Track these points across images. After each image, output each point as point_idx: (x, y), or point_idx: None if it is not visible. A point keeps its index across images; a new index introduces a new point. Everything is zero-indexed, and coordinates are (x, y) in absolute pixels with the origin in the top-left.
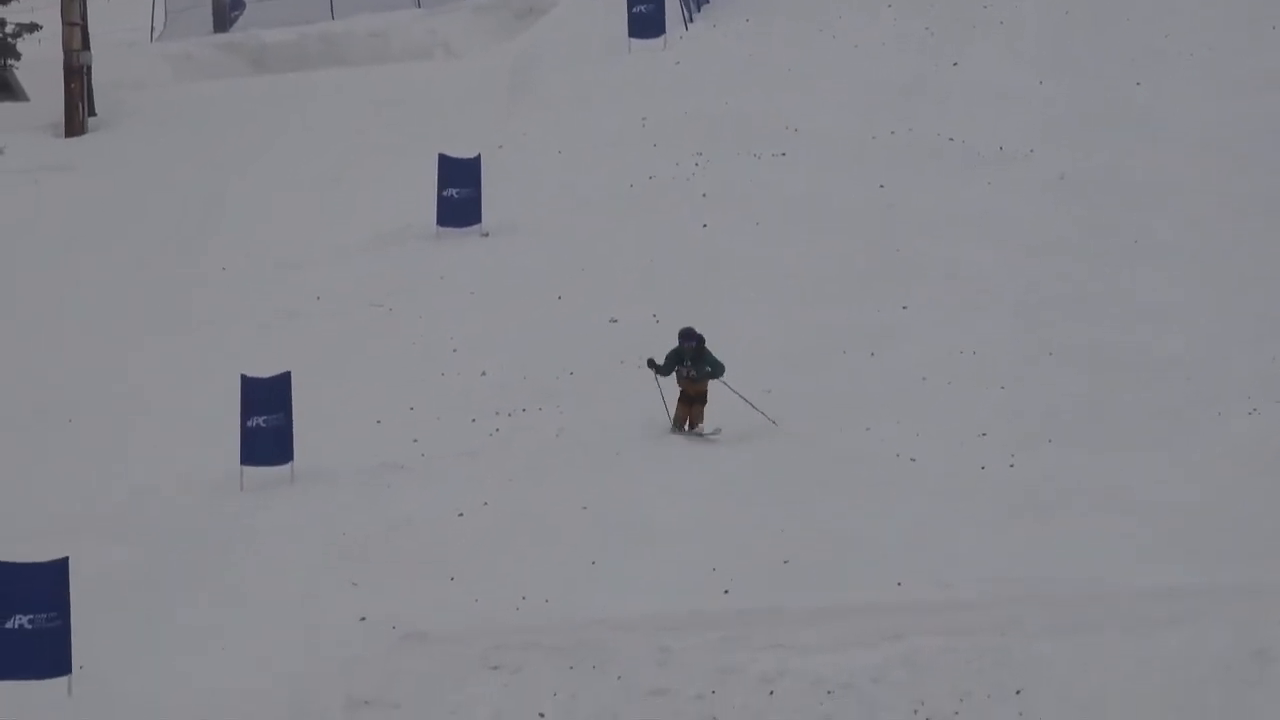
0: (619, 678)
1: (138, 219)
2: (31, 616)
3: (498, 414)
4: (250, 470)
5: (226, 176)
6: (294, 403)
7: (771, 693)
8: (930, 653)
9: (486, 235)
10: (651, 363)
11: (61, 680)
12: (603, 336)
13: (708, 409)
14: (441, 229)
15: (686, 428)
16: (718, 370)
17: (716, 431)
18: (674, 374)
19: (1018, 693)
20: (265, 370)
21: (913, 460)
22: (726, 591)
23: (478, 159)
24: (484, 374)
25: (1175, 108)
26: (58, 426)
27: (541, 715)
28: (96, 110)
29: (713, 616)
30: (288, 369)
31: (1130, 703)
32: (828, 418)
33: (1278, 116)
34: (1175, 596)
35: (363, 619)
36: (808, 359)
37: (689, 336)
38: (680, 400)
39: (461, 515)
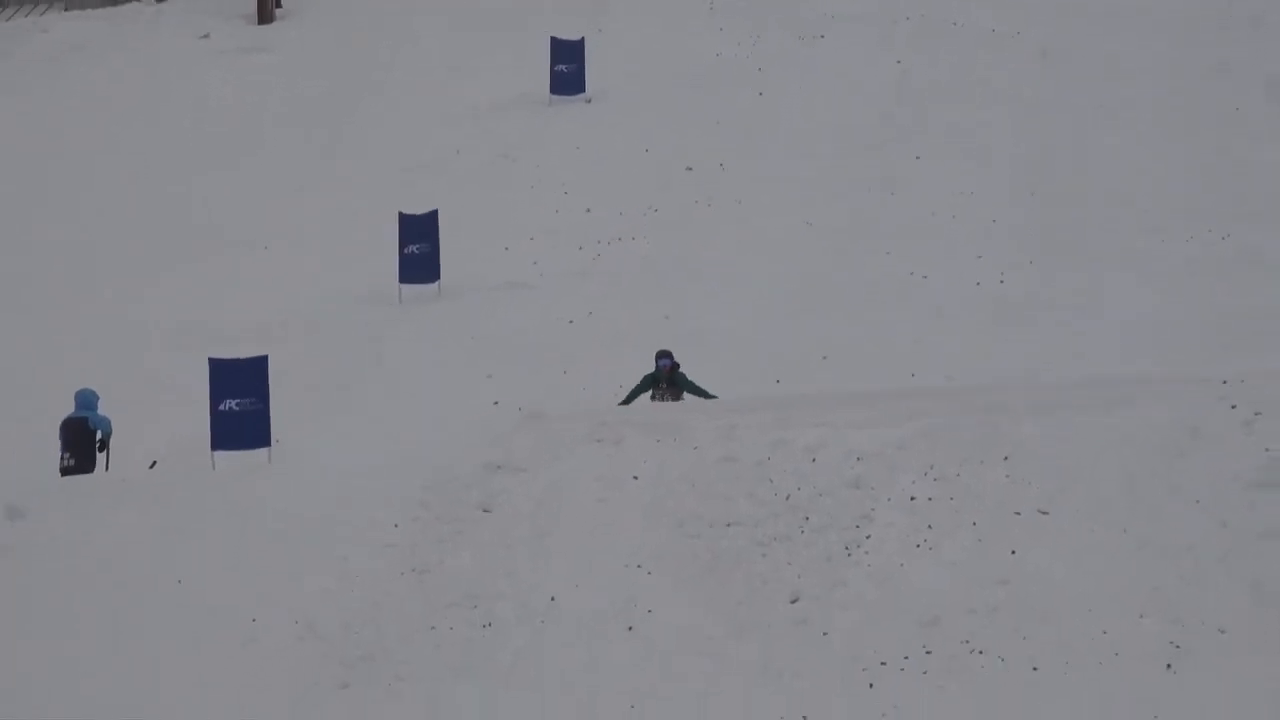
0: (695, 448)
1: (316, 86)
2: (239, 400)
3: (599, 242)
4: (405, 286)
5: (384, 54)
6: (440, 233)
7: (814, 459)
8: (937, 428)
9: (589, 101)
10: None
11: (263, 450)
12: (681, 182)
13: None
14: (554, 96)
15: None
16: (695, 392)
17: None
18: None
19: (1005, 458)
20: (416, 206)
21: (925, 277)
22: (778, 381)
23: (434, 213)
24: (588, 210)
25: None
26: (256, 251)
27: (636, 477)
28: (282, 3)
29: (767, 400)
30: (434, 208)
31: (1089, 465)
32: (854, 246)
33: None
34: (1127, 384)
35: (496, 402)
36: (839, 198)
37: (665, 356)
38: None
39: (571, 322)
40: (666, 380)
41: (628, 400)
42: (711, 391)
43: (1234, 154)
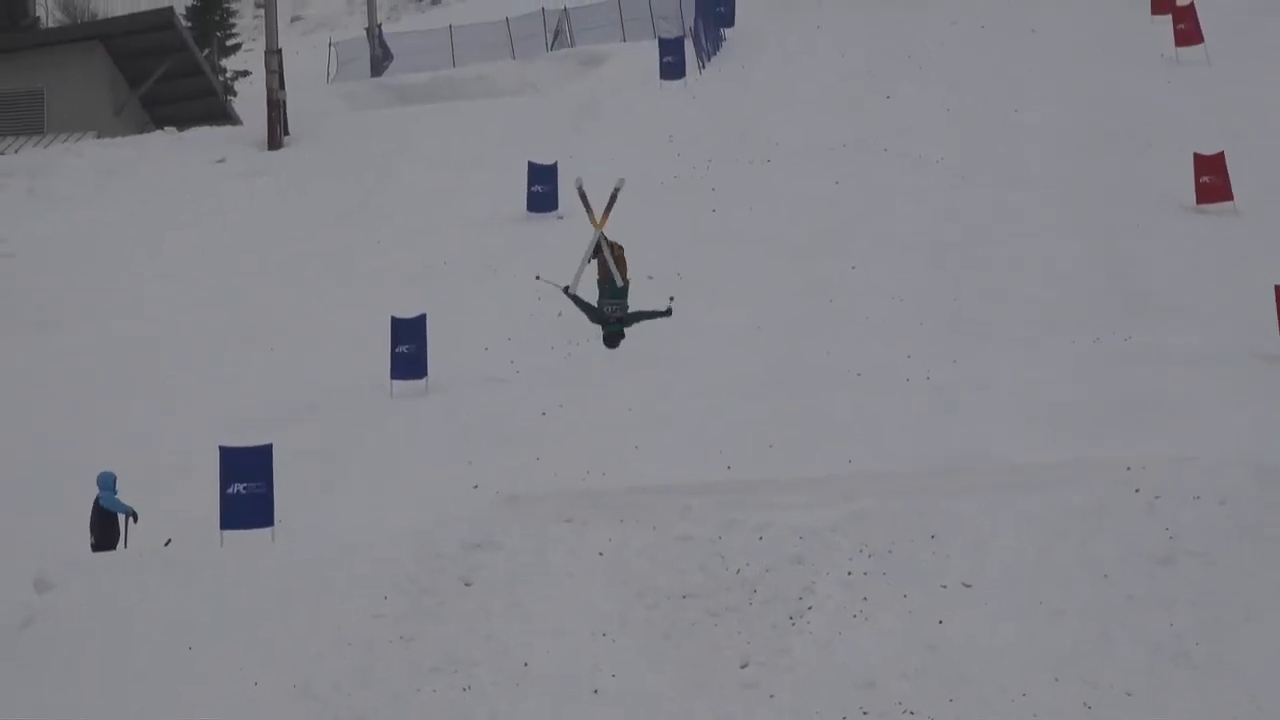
0: (654, 527)
1: (318, 206)
2: (246, 484)
3: (569, 343)
4: (396, 382)
5: (379, 176)
6: (429, 334)
7: (761, 538)
8: (871, 509)
9: (562, 218)
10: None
11: (267, 530)
12: (642, 288)
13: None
14: (530, 213)
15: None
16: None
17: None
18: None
19: (932, 536)
20: (406, 310)
21: (859, 375)
22: (729, 467)
23: (423, 317)
24: (559, 314)
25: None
26: (262, 349)
27: (601, 553)
28: (290, 131)
29: (719, 484)
30: (422, 312)
31: (1011, 542)
32: (797, 346)
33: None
34: (1041, 469)
35: (475, 486)
36: (784, 304)
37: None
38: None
39: (544, 414)
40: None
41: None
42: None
43: (1132, 261)
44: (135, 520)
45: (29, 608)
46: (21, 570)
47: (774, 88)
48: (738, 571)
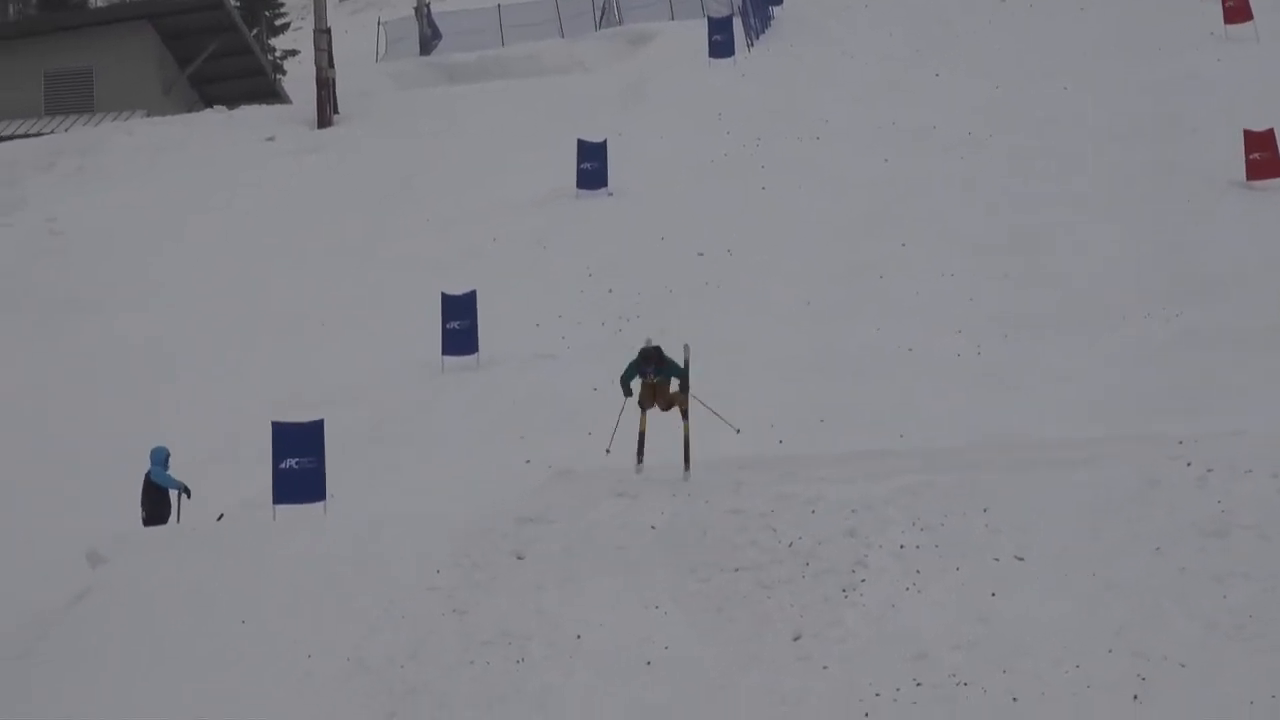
0: (706, 501)
1: (367, 184)
2: (298, 460)
3: (620, 319)
4: (447, 358)
5: (428, 154)
6: (479, 313)
7: (813, 511)
8: (922, 483)
9: (611, 195)
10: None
11: (319, 504)
12: (693, 266)
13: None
14: (580, 190)
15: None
16: (678, 371)
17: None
18: (639, 397)
19: (984, 510)
20: (457, 287)
21: (910, 350)
22: (781, 441)
23: (473, 293)
24: (610, 291)
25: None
26: (313, 326)
27: (653, 527)
28: (339, 110)
29: (772, 459)
30: (473, 288)
31: (1063, 515)
32: (847, 322)
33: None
34: (1092, 444)
35: (528, 461)
36: (834, 280)
37: (648, 359)
38: (642, 420)
39: (595, 389)
40: (654, 369)
41: (625, 378)
42: (685, 367)
43: (1183, 238)
44: (188, 496)
45: (83, 580)
46: (75, 544)
47: (823, 66)
48: (790, 545)
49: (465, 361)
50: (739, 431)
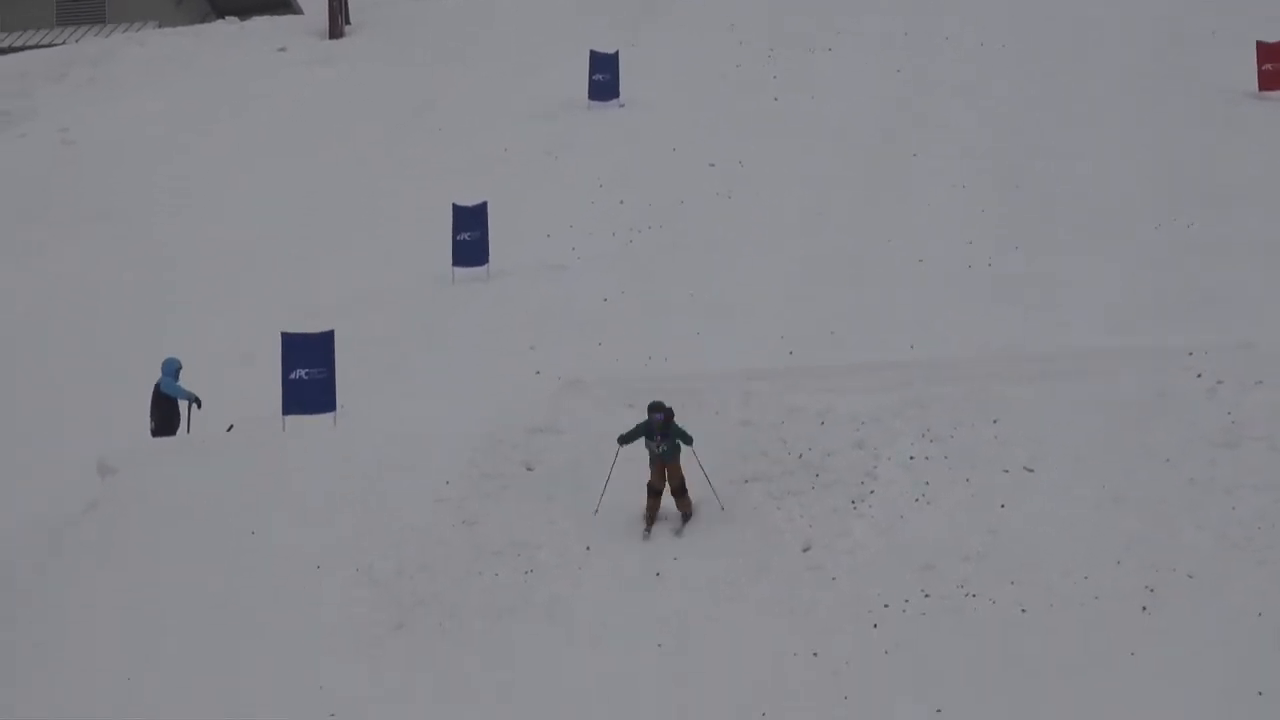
0: (716, 412)
1: (378, 95)
2: (308, 370)
3: (631, 230)
4: (457, 269)
5: (439, 65)
6: (490, 222)
7: (823, 423)
8: (932, 395)
9: (623, 105)
10: (621, 439)
11: (329, 415)
12: (704, 177)
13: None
14: (592, 101)
15: (678, 523)
16: (686, 439)
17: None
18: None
19: (994, 421)
20: (468, 198)
21: (921, 261)
22: (791, 352)
23: (484, 204)
24: (621, 202)
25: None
26: (325, 236)
27: None
28: (351, 20)
29: (781, 370)
30: (484, 199)
31: (1069, 427)
32: (858, 233)
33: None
34: (1102, 356)
35: (538, 372)
36: (845, 191)
37: (658, 409)
38: (649, 492)
39: (605, 300)
40: (661, 431)
41: (627, 439)
42: (691, 435)
43: (1194, 149)
44: (199, 406)
45: (93, 491)
46: (85, 455)
47: None
48: (800, 456)
49: (476, 273)
50: (723, 509)
